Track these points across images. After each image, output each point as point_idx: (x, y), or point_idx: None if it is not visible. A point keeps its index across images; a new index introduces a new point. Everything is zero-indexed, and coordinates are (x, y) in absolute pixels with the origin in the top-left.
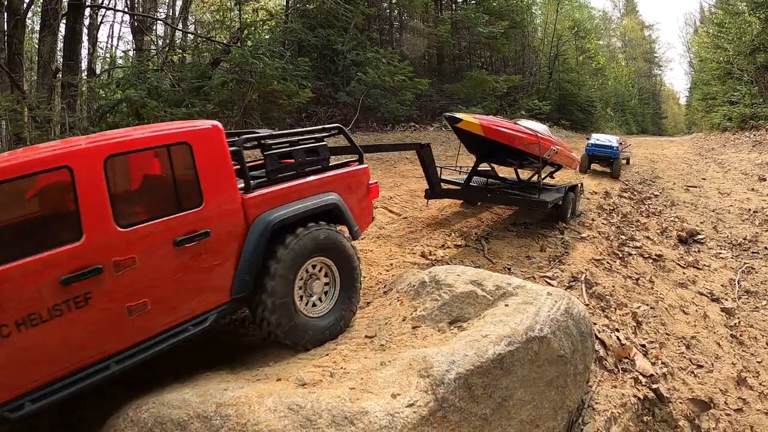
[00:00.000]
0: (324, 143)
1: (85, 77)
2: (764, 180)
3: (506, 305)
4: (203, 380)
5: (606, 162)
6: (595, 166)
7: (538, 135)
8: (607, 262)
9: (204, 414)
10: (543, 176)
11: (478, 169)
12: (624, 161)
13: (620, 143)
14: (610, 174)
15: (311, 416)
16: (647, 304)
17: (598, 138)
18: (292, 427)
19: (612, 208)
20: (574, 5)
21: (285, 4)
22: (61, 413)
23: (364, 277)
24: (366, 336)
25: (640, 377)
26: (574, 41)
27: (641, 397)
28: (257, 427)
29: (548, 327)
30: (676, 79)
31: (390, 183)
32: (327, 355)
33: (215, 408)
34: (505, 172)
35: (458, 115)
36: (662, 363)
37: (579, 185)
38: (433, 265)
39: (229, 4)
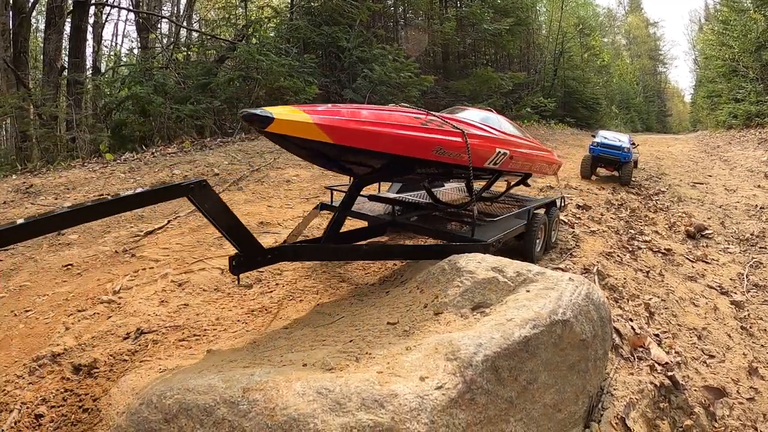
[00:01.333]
0: None
1: (90, 75)
2: None
3: (527, 291)
4: (228, 367)
5: (614, 165)
6: (600, 170)
7: (466, 132)
8: (618, 256)
9: (231, 399)
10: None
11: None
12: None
13: (632, 143)
14: (618, 179)
15: (340, 399)
16: (658, 296)
17: (606, 136)
18: (322, 410)
19: (620, 203)
20: (579, 3)
21: (290, 0)
22: (78, 397)
23: (379, 267)
24: (388, 323)
25: (656, 365)
26: (579, 38)
27: (657, 384)
28: (286, 411)
29: (570, 311)
30: (681, 76)
31: None
32: (351, 341)
33: (242, 393)
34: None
35: (270, 110)
36: (675, 352)
37: (558, 201)
38: None
39: (234, 1)
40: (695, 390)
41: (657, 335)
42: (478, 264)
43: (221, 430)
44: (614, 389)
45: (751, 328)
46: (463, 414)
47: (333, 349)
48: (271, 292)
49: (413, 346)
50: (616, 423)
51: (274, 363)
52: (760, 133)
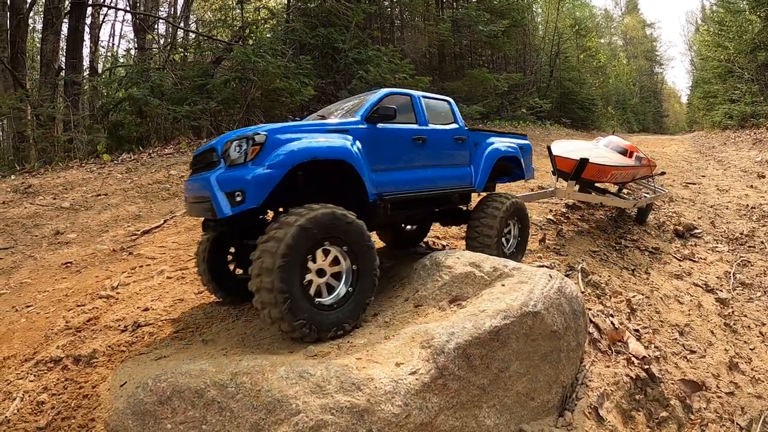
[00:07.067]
0: None
1: (87, 76)
2: (763, 177)
3: (503, 285)
4: (219, 354)
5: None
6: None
7: None
8: (604, 254)
9: (220, 382)
10: None
11: None
12: (632, 211)
13: (636, 157)
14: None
15: (321, 383)
16: (642, 294)
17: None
18: (303, 392)
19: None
20: (576, 4)
21: (287, 2)
22: (78, 384)
23: None
24: (373, 314)
25: (633, 359)
26: (575, 39)
27: (633, 377)
28: (270, 393)
29: (542, 303)
30: (678, 77)
31: None
32: None
33: (231, 377)
34: None
35: None
36: (655, 347)
37: None
38: None
39: (230, 2)
40: (672, 383)
41: (637, 330)
42: (456, 259)
43: (211, 410)
44: (589, 381)
45: (734, 324)
46: (436, 398)
47: None
48: None
49: (392, 335)
50: (589, 413)
51: (263, 350)
52: (754, 133)
